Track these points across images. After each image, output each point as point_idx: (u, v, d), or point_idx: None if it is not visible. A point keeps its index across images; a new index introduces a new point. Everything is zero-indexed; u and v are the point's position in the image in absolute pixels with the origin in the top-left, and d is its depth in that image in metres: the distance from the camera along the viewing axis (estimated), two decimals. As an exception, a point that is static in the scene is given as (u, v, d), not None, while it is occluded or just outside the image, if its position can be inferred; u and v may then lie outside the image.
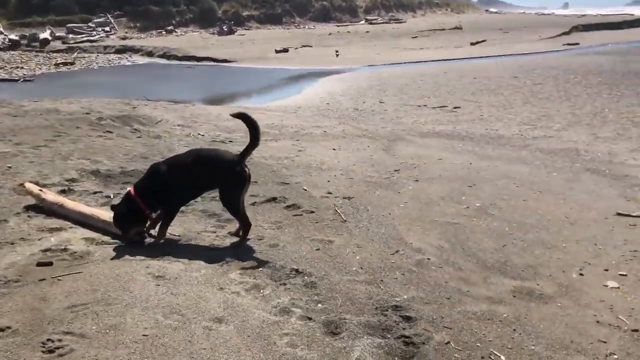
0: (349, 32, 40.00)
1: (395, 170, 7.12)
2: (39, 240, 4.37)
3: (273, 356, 2.94)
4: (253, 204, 5.32)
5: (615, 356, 2.95)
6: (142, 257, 4.09)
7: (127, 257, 4.10)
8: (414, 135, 10.46)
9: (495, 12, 77.33)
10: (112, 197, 5.49)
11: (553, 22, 43.29)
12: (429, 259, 4.25)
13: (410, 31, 38.75)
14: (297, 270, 3.95)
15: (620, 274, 4.04)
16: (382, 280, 3.84)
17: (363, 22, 50.39)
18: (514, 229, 4.97)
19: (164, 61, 30.35)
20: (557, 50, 28.36)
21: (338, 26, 46.32)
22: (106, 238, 4.49)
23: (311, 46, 32.54)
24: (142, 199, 4.33)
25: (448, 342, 3.07)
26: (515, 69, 20.98)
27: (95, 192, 5.62)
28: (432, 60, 25.52)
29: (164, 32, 39.88)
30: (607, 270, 4.12)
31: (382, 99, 16.12)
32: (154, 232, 4.55)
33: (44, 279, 3.73)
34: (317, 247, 4.38)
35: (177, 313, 3.31)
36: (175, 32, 41.02)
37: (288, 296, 3.57)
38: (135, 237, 4.42)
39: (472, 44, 31.46)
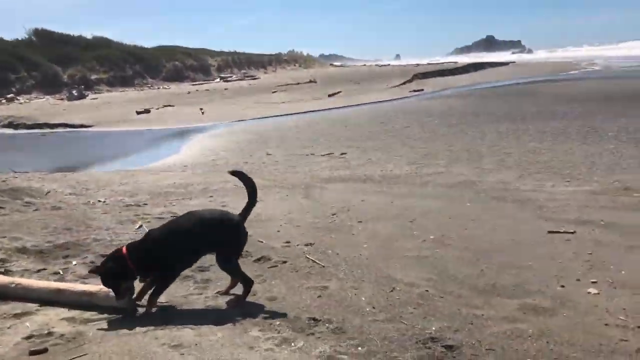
0: (207, 90, 40.08)
1: (333, 214, 7.27)
2: (8, 328, 3.85)
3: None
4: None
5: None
6: (144, 329, 3.79)
7: (126, 331, 3.77)
8: (321, 182, 10.72)
9: (340, 66, 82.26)
10: (61, 273, 5.01)
11: (395, 72, 46.97)
12: (427, 290, 4.41)
13: (268, 86, 39.79)
14: (314, 319, 3.90)
15: (592, 282, 4.50)
16: (401, 317, 3.91)
17: (218, 80, 50.80)
18: (478, 255, 5.33)
19: (10, 131, 27.98)
20: (407, 97, 30.74)
21: (194, 85, 46.21)
22: (88, 315, 4.11)
23: (173, 106, 32.10)
24: (132, 260, 4.04)
25: (503, 362, 3.21)
26: (379, 116, 22.39)
27: (39, 270, 5.10)
28: (300, 112, 26.38)
29: (4, 101, 36.89)
30: (579, 280, 4.57)
31: (267, 151, 16.31)
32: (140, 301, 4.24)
33: None
34: (318, 295, 4.36)
35: None
36: (18, 99, 38.16)
37: (325, 345, 3.52)
38: (125, 294, 4.07)
39: (329, 95, 33.03)
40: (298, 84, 39.46)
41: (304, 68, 63.98)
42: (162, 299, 4.33)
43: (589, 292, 4.28)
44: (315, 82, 40.43)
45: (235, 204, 8.26)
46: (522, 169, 10.91)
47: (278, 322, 3.85)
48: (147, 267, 4.11)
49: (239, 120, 25.14)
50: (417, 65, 57.51)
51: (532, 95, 24.80)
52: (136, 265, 4.06)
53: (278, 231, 6.40)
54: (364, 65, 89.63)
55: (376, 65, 78.02)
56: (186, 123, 25.12)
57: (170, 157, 16.99)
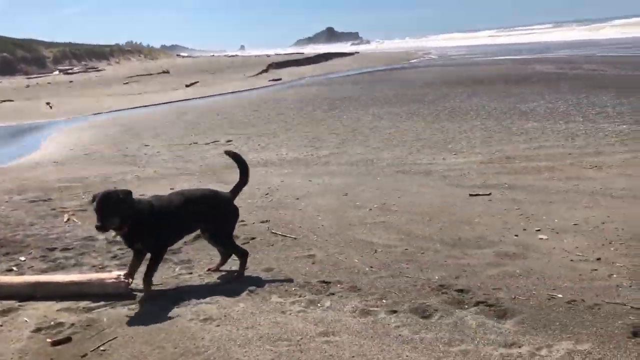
0: (49, 83, 36.99)
1: (266, 195, 7.42)
2: (1, 325, 3.56)
3: (413, 345, 3.16)
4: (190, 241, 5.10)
5: (615, 275, 3.96)
6: (159, 309, 3.72)
7: (142, 312, 3.67)
8: (223, 168, 10.69)
9: (188, 56, 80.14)
10: (15, 269, 4.68)
11: (249, 62, 47.05)
12: (406, 249, 4.83)
13: (117, 78, 37.76)
14: (325, 282, 4.11)
15: (536, 230, 5.20)
16: (401, 272, 4.27)
17: (57, 72, 46.95)
18: (427, 217, 5.86)
19: None
20: (268, 86, 31.08)
21: (29, 78, 42.28)
22: (83, 304, 3.92)
23: (12, 100, 29.29)
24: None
25: (515, 297, 3.69)
26: (249, 104, 22.48)
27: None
28: (162, 103, 25.53)
29: None
30: (525, 229, 5.26)
31: (144, 142, 15.69)
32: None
33: (85, 355, 3.15)
34: (312, 262, 4.56)
35: (282, 340, 3.23)
36: None
37: (351, 302, 3.75)
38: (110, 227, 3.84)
39: (187, 85, 32.33)
40: (150, 74, 37.97)
41: (151, 59, 61.42)
42: (155, 281, 4.23)
43: (540, 238, 4.95)
44: (168, 72, 39.19)
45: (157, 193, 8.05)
46: (408, 146, 11.76)
47: (293, 288, 4.00)
48: (139, 231, 3.96)
49: (97, 113, 23.67)
50: (268, 55, 58.09)
51: (387, 81, 26.43)
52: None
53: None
54: (213, 55, 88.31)
55: (225, 55, 77.26)
56: (34, 118, 23.10)
57: (32, 154, 15.62)
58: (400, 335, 3.26)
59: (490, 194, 6.91)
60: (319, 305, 3.74)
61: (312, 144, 13.16)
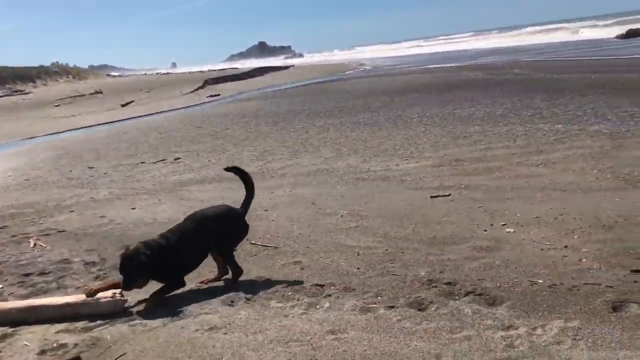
0: (-27, 107, 35.30)
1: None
2: (0, 352, 3.52)
3: (418, 335, 3.36)
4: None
5: (584, 260, 4.32)
6: (160, 323, 3.78)
7: (148, 327, 3.72)
8: (177, 185, 10.67)
9: (119, 76, 78.22)
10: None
11: (183, 79, 46.53)
12: (386, 250, 5.06)
13: (47, 100, 36.51)
14: (318, 285, 4.27)
15: (502, 225, 5.55)
16: (387, 271, 4.49)
17: (-21, 97, 44.82)
18: (397, 220, 6.13)
19: None
20: (207, 102, 30.91)
21: (-51, 103, 40.12)
22: (81, 324, 3.92)
23: None
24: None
25: (500, 286, 3.98)
26: (191, 121, 22.31)
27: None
28: (99, 124, 24.97)
29: None
30: (492, 225, 5.60)
31: (87, 164, 15.35)
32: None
33: None
34: (300, 267, 4.71)
35: (293, 341, 3.37)
36: None
37: (349, 301, 3.93)
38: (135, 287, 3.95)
39: (122, 105, 31.69)
40: (82, 95, 36.89)
41: (79, 79, 59.61)
42: (140, 297, 4.27)
43: (508, 232, 5.30)
44: (101, 92, 38.21)
45: (120, 212, 7.97)
46: (360, 154, 12.07)
47: (289, 293, 4.14)
48: (161, 268, 4.04)
49: (30, 137, 22.87)
50: (203, 71, 57.59)
51: (327, 93, 26.84)
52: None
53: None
54: (145, 74, 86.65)
55: (157, 73, 76.00)
56: (-42, 144, 22.05)
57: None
58: (404, 327, 3.47)
59: (449, 195, 7.26)
60: (318, 307, 3.89)
61: (264, 157, 13.26)
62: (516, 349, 3.07)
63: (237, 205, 4.72)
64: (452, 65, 36.61)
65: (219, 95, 34.05)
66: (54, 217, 8.35)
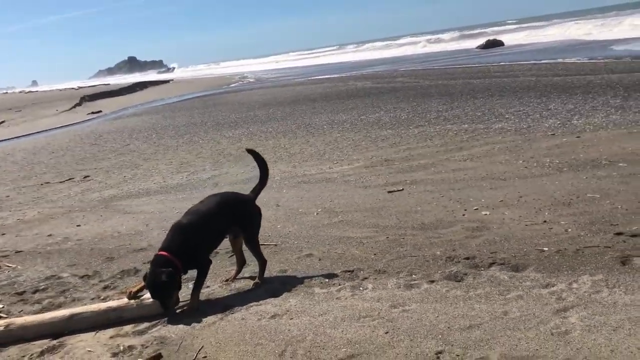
0: None
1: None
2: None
3: (476, 300, 3.75)
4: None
5: (570, 230, 4.97)
6: (220, 319, 3.84)
7: (208, 323, 3.77)
8: (107, 201, 10.32)
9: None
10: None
11: (55, 97, 43.77)
12: (387, 237, 5.40)
13: None
14: (348, 271, 4.52)
15: (474, 209, 6.14)
16: (404, 254, 4.86)
17: None
18: (374, 212, 6.49)
19: None
20: (91, 119, 29.51)
21: None
22: (127, 329, 3.89)
23: None
24: (180, 260, 3.97)
25: (515, 256, 4.49)
26: (81, 138, 21.31)
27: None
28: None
29: None
30: (466, 210, 6.16)
31: (-16, 188, 14.21)
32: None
33: None
34: (318, 259, 4.92)
35: (364, 317, 3.62)
36: None
37: (389, 280, 4.23)
38: (175, 304, 3.97)
39: (-7, 125, 29.30)
40: (-59, 117, 33.39)
41: None
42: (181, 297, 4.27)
43: (485, 214, 5.87)
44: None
45: (68, 229, 7.60)
46: (287, 161, 12.35)
47: (326, 280, 4.34)
48: (191, 258, 4.06)
49: None
50: (75, 88, 54.38)
51: (221, 105, 26.73)
52: (182, 260, 3.98)
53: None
54: (7, 92, 79.92)
55: (21, 92, 70.46)
56: None
57: None
58: (457, 295, 3.83)
59: (403, 189, 7.78)
60: (362, 288, 4.14)
61: (185, 169, 13.10)
62: (566, 300, 3.55)
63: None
64: (335, 76, 37.91)
65: (100, 112, 32.59)
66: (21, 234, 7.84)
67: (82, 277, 5.17)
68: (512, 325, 3.26)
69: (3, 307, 4.56)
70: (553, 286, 3.80)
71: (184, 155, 15.01)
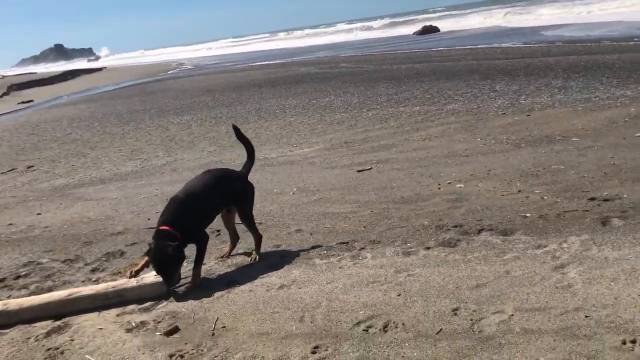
0: None
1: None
2: (72, 341, 3.35)
3: (475, 262, 3.94)
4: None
5: (545, 198, 5.25)
6: (227, 293, 3.87)
7: (217, 297, 3.81)
8: (64, 190, 9.99)
9: None
10: None
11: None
12: (372, 211, 5.55)
13: None
14: (343, 242, 4.63)
15: (448, 183, 6.37)
16: (393, 225, 5.00)
17: None
18: (349, 190, 6.62)
19: None
20: (22, 109, 28.23)
21: None
22: (130, 308, 3.83)
23: None
24: (178, 231, 3.96)
25: (500, 222, 4.71)
26: (19, 128, 20.40)
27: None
28: None
29: None
30: (440, 184, 6.37)
31: None
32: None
33: (213, 334, 3.26)
34: (310, 233, 5.00)
35: (372, 282, 3.77)
36: None
37: (386, 249, 4.37)
38: (179, 279, 3.96)
39: None
40: None
41: None
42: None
43: (459, 187, 6.10)
44: None
45: (22, 221, 7.32)
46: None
47: (324, 252, 4.43)
48: (189, 233, 4.04)
49: None
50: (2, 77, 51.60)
51: (162, 92, 26.12)
52: (182, 233, 3.97)
53: (149, 219, 6.29)
54: None
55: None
56: None
57: None
58: (456, 259, 4.00)
59: (371, 169, 7.94)
60: (361, 257, 4.25)
61: (137, 156, 12.82)
62: (561, 258, 3.78)
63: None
64: (276, 62, 37.75)
65: (32, 101, 31.17)
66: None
67: (63, 261, 5.02)
68: (517, 282, 3.45)
69: (-12, 293, 4.38)
70: (545, 247, 4.03)
71: (132, 143, 14.65)
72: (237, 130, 4.82)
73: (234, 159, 10.72)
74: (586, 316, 2.92)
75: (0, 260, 5.35)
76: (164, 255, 3.85)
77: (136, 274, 4.03)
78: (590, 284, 3.30)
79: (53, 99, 31.55)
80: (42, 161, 13.99)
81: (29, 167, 13.53)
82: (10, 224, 7.22)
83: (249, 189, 4.63)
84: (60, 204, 8.38)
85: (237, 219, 4.67)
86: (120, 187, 9.53)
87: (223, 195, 4.41)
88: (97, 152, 14.05)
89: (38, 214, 7.79)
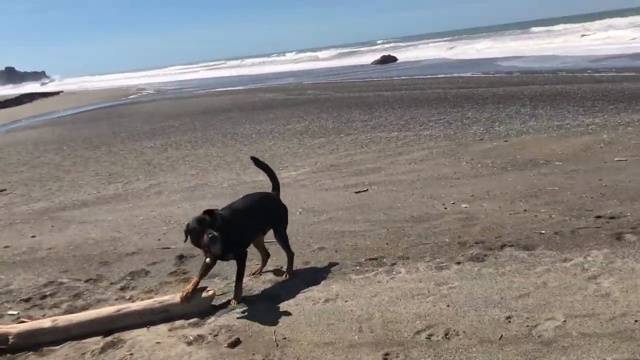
0: None
1: (174, 222, 7.37)
2: (131, 355, 3.40)
3: (510, 276, 4.16)
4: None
5: (554, 216, 5.55)
6: (272, 309, 3.98)
7: (258, 310, 3.92)
8: (48, 213, 9.82)
9: None
10: None
11: None
12: (387, 229, 5.72)
13: None
14: (372, 259, 4.80)
15: (452, 203, 6.63)
16: (416, 242, 5.19)
17: None
18: (356, 209, 6.79)
19: None
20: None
21: None
22: (178, 323, 3.88)
23: None
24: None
25: (519, 238, 4.97)
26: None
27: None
28: None
29: None
30: (444, 204, 6.63)
31: None
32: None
33: (278, 345, 3.36)
34: (335, 250, 5.15)
35: (416, 295, 3.94)
36: None
37: (417, 264, 4.56)
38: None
39: None
40: None
41: None
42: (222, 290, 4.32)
43: (465, 207, 6.36)
44: None
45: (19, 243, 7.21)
46: (226, 169, 12.32)
47: (356, 267, 4.57)
48: (231, 245, 4.12)
49: None
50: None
51: (127, 116, 25.88)
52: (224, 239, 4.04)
53: (159, 240, 6.30)
54: None
55: None
56: None
57: None
58: (490, 273, 4.21)
59: (368, 190, 8.16)
60: (395, 272, 4.41)
61: (116, 180, 12.67)
62: (590, 270, 4.05)
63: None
64: (237, 88, 37.89)
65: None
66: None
67: (86, 281, 4.99)
68: (557, 292, 3.69)
69: (18, 313, 4.31)
70: (571, 260, 4.29)
71: (108, 167, 14.47)
72: (255, 160, 5.00)
73: (221, 182, 10.78)
74: (635, 320, 3.16)
75: (15, 281, 5.25)
76: (212, 222, 3.92)
77: (190, 296, 4.03)
78: (627, 292, 3.56)
79: (10, 123, 30.71)
80: (13, 185, 13.65)
81: (1, 190, 13.17)
82: (7, 247, 7.06)
83: (284, 210, 4.79)
84: (52, 226, 8.24)
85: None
86: (108, 210, 9.44)
87: (264, 216, 4.54)
88: (73, 176, 13.81)
89: (32, 236, 7.64)
